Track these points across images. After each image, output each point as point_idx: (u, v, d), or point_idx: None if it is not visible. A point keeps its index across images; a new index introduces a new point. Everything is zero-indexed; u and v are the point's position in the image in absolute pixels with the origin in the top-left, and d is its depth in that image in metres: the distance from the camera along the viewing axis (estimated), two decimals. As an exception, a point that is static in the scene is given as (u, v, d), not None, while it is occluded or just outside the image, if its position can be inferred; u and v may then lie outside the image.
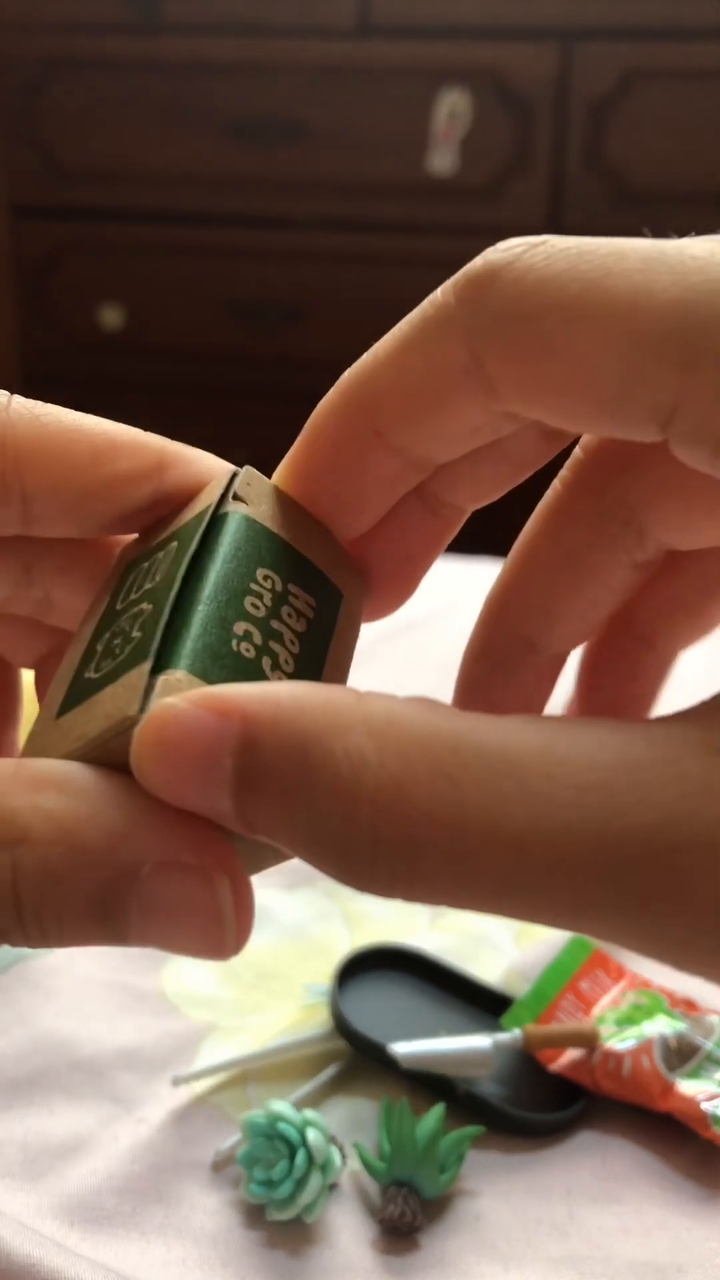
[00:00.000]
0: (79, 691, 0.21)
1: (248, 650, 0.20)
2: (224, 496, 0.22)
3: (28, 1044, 0.48)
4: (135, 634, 0.21)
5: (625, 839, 0.15)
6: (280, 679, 0.21)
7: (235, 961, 0.53)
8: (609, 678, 0.25)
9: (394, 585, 0.24)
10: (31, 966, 0.52)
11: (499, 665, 0.24)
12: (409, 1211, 0.41)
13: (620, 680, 0.25)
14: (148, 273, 1.88)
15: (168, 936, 0.18)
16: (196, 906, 0.18)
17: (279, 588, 0.22)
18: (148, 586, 0.22)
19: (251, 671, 0.20)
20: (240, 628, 0.21)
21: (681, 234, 0.21)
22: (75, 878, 0.17)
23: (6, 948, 0.52)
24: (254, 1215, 0.42)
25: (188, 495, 0.23)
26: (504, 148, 1.73)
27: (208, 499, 0.23)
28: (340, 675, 0.22)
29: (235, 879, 0.18)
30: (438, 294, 0.20)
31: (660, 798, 0.15)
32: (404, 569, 0.24)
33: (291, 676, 0.21)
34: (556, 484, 0.23)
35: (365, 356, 0.21)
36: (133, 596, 0.22)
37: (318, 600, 0.22)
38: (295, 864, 0.69)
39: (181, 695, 0.18)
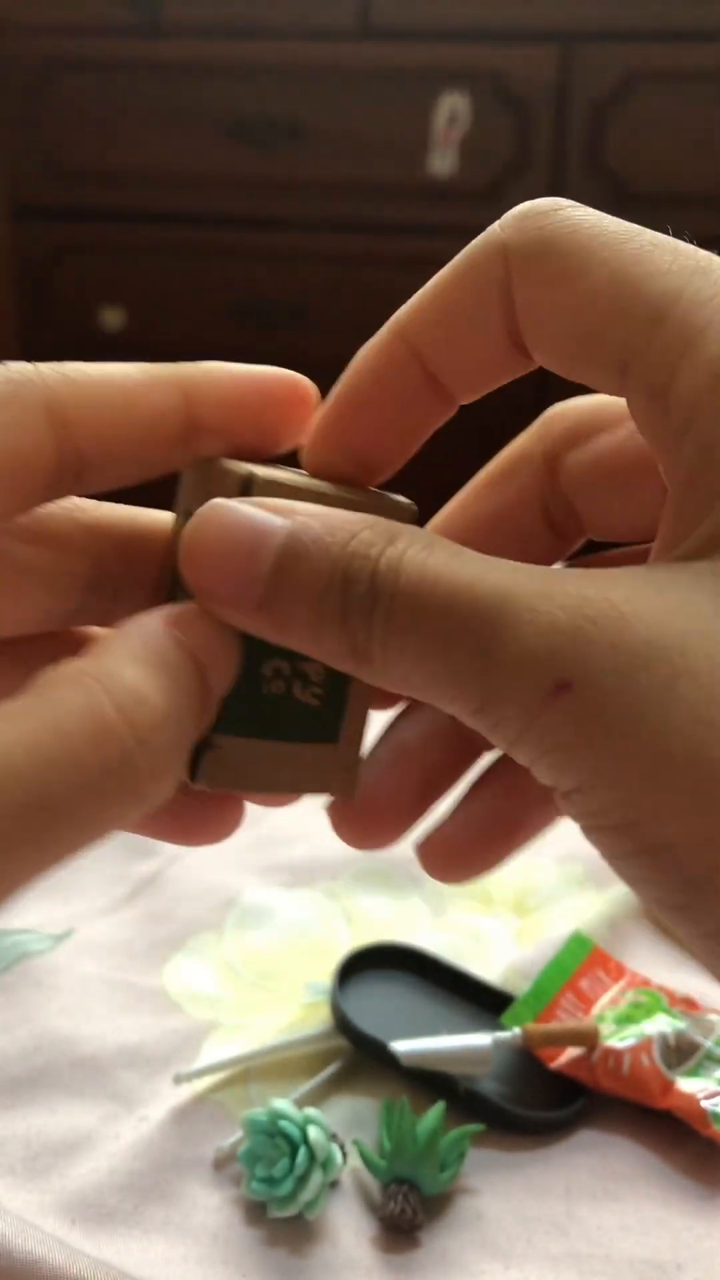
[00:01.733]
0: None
1: (279, 688, 0.23)
2: None
3: (30, 1042, 0.48)
4: None
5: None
6: (310, 698, 0.24)
7: (236, 960, 0.53)
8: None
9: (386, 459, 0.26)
10: (34, 965, 0.52)
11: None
12: (409, 1209, 0.41)
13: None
14: (149, 274, 1.88)
15: None
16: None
17: None
18: None
19: (281, 707, 0.23)
20: (269, 668, 0.23)
21: (679, 236, 0.21)
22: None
23: (7, 946, 0.52)
24: (255, 1213, 0.42)
25: (218, 420, 0.24)
26: (504, 149, 1.73)
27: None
28: None
29: None
30: (494, 227, 0.23)
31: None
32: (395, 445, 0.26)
33: (320, 699, 0.24)
34: None
35: (413, 297, 0.24)
36: None
37: None
38: (295, 863, 0.69)
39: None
